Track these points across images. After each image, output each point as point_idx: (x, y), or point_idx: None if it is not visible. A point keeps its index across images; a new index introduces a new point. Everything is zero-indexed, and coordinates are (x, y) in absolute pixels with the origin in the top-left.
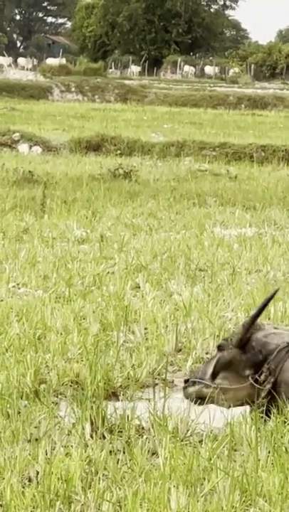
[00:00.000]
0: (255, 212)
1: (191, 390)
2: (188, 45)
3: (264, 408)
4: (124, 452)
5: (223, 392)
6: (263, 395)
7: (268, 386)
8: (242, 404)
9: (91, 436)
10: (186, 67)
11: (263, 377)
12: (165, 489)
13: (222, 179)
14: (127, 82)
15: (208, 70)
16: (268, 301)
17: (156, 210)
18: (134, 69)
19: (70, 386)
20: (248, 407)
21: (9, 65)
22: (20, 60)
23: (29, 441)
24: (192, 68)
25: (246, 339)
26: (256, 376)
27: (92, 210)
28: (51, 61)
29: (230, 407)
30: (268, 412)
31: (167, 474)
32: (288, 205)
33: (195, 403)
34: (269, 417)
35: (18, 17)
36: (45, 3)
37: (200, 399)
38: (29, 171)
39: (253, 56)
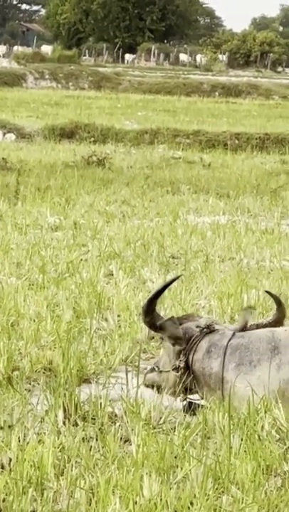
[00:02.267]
0: (228, 200)
1: (147, 376)
2: (163, 33)
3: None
4: (96, 439)
5: (164, 378)
6: (178, 374)
7: (181, 365)
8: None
9: (64, 424)
10: (183, 56)
11: (180, 359)
12: (138, 476)
13: (196, 167)
14: (101, 69)
15: (183, 57)
16: (167, 286)
17: (130, 197)
18: (128, 57)
19: (43, 373)
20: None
21: None
22: None
23: (2, 428)
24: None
25: (150, 324)
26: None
27: (65, 197)
28: (47, 48)
29: (175, 393)
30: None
31: (140, 462)
32: (262, 193)
33: (152, 389)
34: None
35: None
36: None
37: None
38: (3, 158)
39: (227, 44)
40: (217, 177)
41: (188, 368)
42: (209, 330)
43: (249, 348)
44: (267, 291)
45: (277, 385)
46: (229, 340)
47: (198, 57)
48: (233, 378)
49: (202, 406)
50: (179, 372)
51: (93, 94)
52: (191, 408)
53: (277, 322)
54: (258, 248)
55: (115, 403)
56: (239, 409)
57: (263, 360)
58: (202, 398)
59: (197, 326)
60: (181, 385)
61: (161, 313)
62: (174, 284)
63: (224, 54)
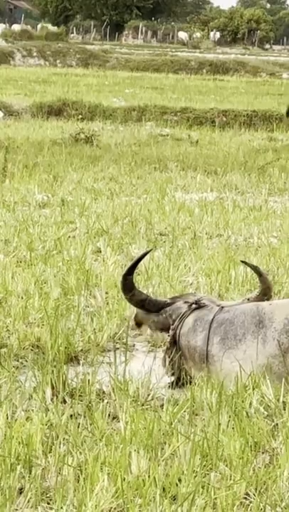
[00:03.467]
0: (216, 176)
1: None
2: (150, 10)
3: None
4: (84, 416)
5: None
6: (164, 348)
7: (168, 339)
8: None
9: (52, 401)
10: (182, 34)
11: (169, 334)
12: (126, 453)
13: (183, 144)
14: (88, 47)
15: (182, 35)
16: (139, 261)
17: (118, 174)
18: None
19: (31, 350)
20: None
21: None
22: None
23: None
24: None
25: (132, 301)
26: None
27: (53, 174)
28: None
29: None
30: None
31: (128, 438)
32: (249, 169)
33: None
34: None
35: None
36: None
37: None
38: None
39: (214, 21)
40: (205, 154)
41: (175, 343)
42: (198, 306)
43: (234, 322)
44: (243, 261)
45: (263, 359)
46: (215, 314)
47: (195, 35)
48: (218, 352)
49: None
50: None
51: (81, 71)
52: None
53: (264, 294)
54: (246, 225)
55: (103, 380)
56: (225, 384)
57: (248, 334)
58: (188, 373)
59: (185, 302)
60: (168, 361)
61: (150, 290)
62: (162, 260)
63: (212, 31)
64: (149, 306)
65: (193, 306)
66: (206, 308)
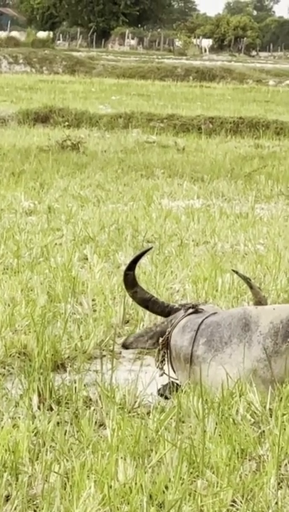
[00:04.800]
0: (202, 183)
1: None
2: (137, 17)
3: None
4: (71, 424)
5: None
6: (158, 348)
7: (159, 341)
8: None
9: (38, 408)
10: (205, 41)
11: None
12: (112, 461)
13: (170, 151)
14: (75, 54)
15: (177, 43)
16: (140, 257)
17: (104, 181)
18: (133, 42)
19: (18, 357)
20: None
21: None
22: None
23: None
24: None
25: (135, 298)
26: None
27: (40, 181)
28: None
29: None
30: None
31: (115, 446)
32: (236, 177)
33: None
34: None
35: None
36: None
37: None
38: None
39: (200, 28)
40: (191, 161)
41: (168, 345)
42: (195, 310)
43: (221, 325)
44: (234, 271)
45: (249, 363)
46: (206, 317)
47: (205, 42)
48: (202, 354)
49: (178, 387)
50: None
51: (67, 78)
52: (166, 388)
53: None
54: (233, 232)
55: (90, 387)
56: (211, 388)
57: (234, 336)
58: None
59: (182, 306)
60: (159, 362)
61: None
62: (148, 267)
63: (198, 38)
64: (153, 307)
65: (190, 310)
66: (200, 313)
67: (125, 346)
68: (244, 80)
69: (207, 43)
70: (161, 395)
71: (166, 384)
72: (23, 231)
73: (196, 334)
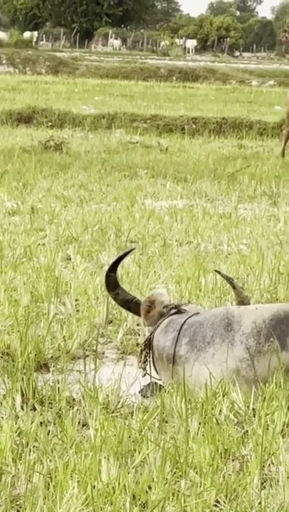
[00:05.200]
0: (186, 184)
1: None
2: (120, 18)
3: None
4: (54, 424)
5: None
6: (140, 349)
7: (142, 341)
8: None
9: (22, 408)
10: (189, 42)
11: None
12: (96, 461)
13: (153, 151)
14: (58, 54)
15: (189, 44)
16: (121, 258)
17: (87, 182)
18: (115, 43)
19: (1, 357)
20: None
21: None
22: None
23: None
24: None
25: (117, 300)
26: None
27: (23, 182)
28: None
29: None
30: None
31: (98, 446)
32: (219, 177)
33: None
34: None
35: None
36: None
37: None
38: None
39: (184, 29)
40: (174, 161)
41: (151, 345)
42: (177, 311)
43: (203, 324)
44: (216, 271)
45: (232, 363)
46: (189, 317)
47: (190, 42)
48: (185, 353)
49: (161, 387)
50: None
51: (50, 79)
52: (148, 388)
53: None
54: (216, 232)
55: (73, 387)
56: (194, 388)
57: (217, 336)
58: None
59: (165, 307)
60: (142, 362)
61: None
62: (132, 267)
63: (181, 38)
64: (135, 308)
65: (173, 310)
66: (183, 313)
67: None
68: (227, 81)
69: (192, 43)
70: (144, 396)
71: (149, 384)
72: (6, 231)
73: (178, 334)
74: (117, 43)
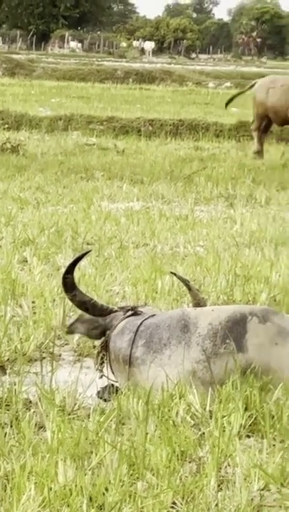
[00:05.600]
0: (142, 186)
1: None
2: (76, 20)
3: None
4: (11, 426)
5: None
6: (97, 351)
7: (100, 342)
8: None
9: None
10: (147, 43)
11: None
12: (53, 463)
13: (109, 153)
14: (14, 56)
15: (147, 45)
16: (78, 260)
17: (44, 184)
18: (74, 44)
19: None
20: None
21: None
22: None
23: None
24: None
25: (74, 301)
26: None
27: None
28: None
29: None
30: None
31: (55, 448)
32: (175, 179)
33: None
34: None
35: None
36: None
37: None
38: None
39: (140, 31)
40: (131, 163)
41: (107, 347)
42: (134, 313)
43: (160, 326)
44: (172, 273)
45: (188, 364)
46: (145, 319)
47: (148, 44)
48: (141, 355)
49: (117, 389)
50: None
51: (7, 81)
52: (105, 390)
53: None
54: (172, 234)
55: (30, 390)
56: (150, 390)
57: (173, 338)
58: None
59: (121, 308)
60: (98, 364)
61: None
62: (88, 269)
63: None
64: (92, 309)
65: (129, 312)
66: (140, 315)
67: (70, 331)
68: (184, 83)
69: (150, 45)
70: (101, 398)
71: (106, 386)
72: None
73: (135, 336)
74: (75, 44)
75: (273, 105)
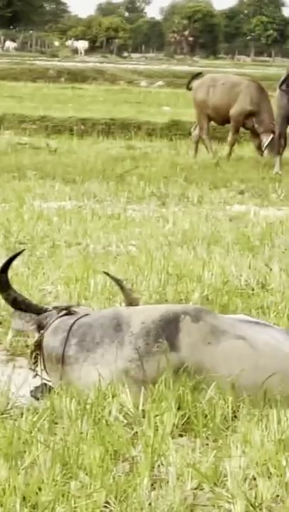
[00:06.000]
0: (74, 185)
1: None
2: (8, 19)
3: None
4: None
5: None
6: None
7: (33, 341)
8: None
9: None
10: (80, 43)
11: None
12: None
13: (42, 152)
14: None
15: (80, 44)
16: (11, 260)
17: None
18: (9, 44)
19: None
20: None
21: None
22: None
23: None
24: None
25: (8, 300)
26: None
27: None
28: None
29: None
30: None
31: None
32: (108, 178)
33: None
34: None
35: None
36: None
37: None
38: None
39: (72, 30)
40: (63, 162)
41: (41, 346)
42: (68, 312)
43: (93, 325)
44: (105, 272)
45: (121, 363)
46: (79, 318)
47: (81, 44)
48: (74, 354)
49: (50, 388)
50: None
51: None
52: (39, 389)
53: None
54: (104, 233)
55: None
56: (83, 389)
57: (106, 337)
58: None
59: (55, 308)
60: (32, 363)
61: None
62: (21, 269)
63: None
64: (27, 308)
65: (63, 312)
66: (73, 315)
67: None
68: (116, 81)
69: (82, 44)
70: (35, 397)
71: (39, 385)
72: None
73: (68, 335)
74: (10, 44)
75: (215, 104)
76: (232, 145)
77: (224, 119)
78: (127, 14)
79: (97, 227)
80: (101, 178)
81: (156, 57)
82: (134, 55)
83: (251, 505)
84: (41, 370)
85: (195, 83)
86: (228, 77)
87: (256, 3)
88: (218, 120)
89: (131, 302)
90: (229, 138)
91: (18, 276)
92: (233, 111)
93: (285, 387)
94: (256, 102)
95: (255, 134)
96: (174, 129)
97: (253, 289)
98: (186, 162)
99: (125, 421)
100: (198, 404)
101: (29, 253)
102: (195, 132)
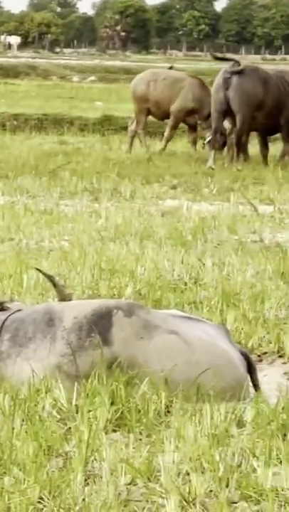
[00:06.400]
0: (7, 180)
1: None
2: None
3: None
4: None
5: None
6: None
7: None
8: None
9: None
10: (13, 38)
11: None
12: None
13: None
14: None
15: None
16: None
17: None
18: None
19: None
20: None
21: None
22: None
23: None
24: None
25: None
26: None
27: None
28: None
29: None
30: None
31: None
32: (40, 173)
33: None
34: None
35: None
36: None
37: None
38: None
39: (4, 25)
40: None
41: None
42: (1, 308)
43: (25, 320)
44: (37, 269)
45: (53, 358)
46: (11, 314)
47: (14, 39)
48: (7, 349)
49: None
50: None
51: None
52: None
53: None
54: (37, 228)
55: None
56: (16, 385)
57: (38, 332)
58: None
59: None
60: None
61: None
62: None
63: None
64: None
65: None
66: (6, 311)
67: None
68: (48, 77)
69: (15, 40)
70: None
71: None
72: None
73: (0, 330)
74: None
75: (156, 99)
76: (168, 140)
77: (164, 115)
78: (59, 9)
79: (30, 222)
80: (34, 174)
81: (89, 52)
82: (67, 50)
83: (185, 500)
84: None
85: (135, 78)
86: (169, 72)
87: None
88: (158, 115)
89: (64, 298)
90: (166, 133)
91: None
92: (174, 107)
93: (218, 382)
94: (198, 99)
95: (193, 129)
96: (107, 124)
97: (185, 284)
98: (119, 157)
99: (59, 416)
100: (131, 399)
101: None
102: (132, 127)
